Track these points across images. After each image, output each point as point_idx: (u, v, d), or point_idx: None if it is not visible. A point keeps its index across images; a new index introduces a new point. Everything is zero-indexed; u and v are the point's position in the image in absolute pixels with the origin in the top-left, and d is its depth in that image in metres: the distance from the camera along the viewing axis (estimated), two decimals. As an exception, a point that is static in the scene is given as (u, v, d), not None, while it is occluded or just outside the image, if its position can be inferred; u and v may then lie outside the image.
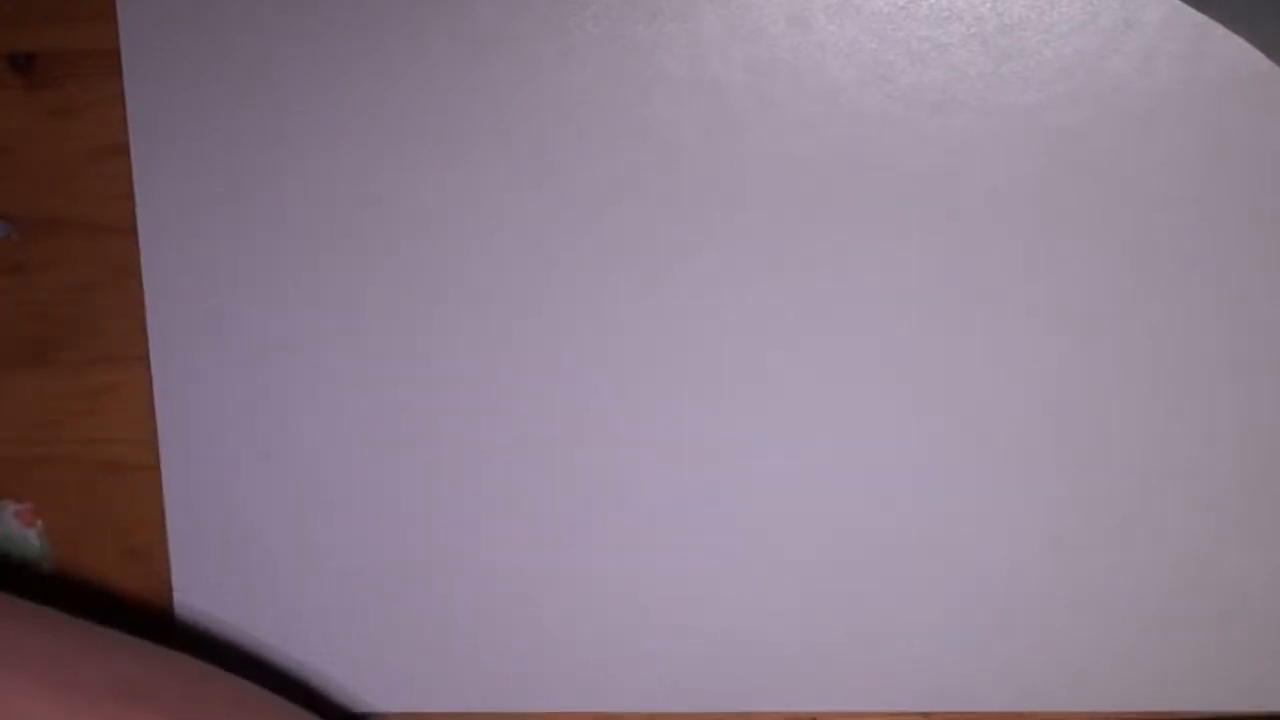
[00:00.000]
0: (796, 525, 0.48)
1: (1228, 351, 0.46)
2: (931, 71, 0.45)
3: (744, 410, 0.47)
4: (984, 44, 0.44)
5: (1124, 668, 0.48)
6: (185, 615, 0.50)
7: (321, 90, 0.46)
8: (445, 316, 0.47)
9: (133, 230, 0.47)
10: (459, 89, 0.46)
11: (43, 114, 0.47)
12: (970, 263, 0.46)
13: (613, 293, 0.47)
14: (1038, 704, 0.49)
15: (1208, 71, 0.44)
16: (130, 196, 0.47)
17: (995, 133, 0.45)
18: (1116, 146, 0.45)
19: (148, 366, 0.48)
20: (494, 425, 0.48)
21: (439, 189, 0.46)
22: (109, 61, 0.46)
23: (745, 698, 0.50)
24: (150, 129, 0.47)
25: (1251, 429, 0.46)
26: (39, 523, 0.50)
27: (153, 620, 0.50)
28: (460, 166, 0.46)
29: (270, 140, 0.46)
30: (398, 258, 0.47)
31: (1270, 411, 0.46)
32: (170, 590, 0.50)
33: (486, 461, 0.48)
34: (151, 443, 0.49)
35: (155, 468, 0.49)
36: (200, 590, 0.50)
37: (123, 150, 0.47)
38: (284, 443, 0.49)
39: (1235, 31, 0.44)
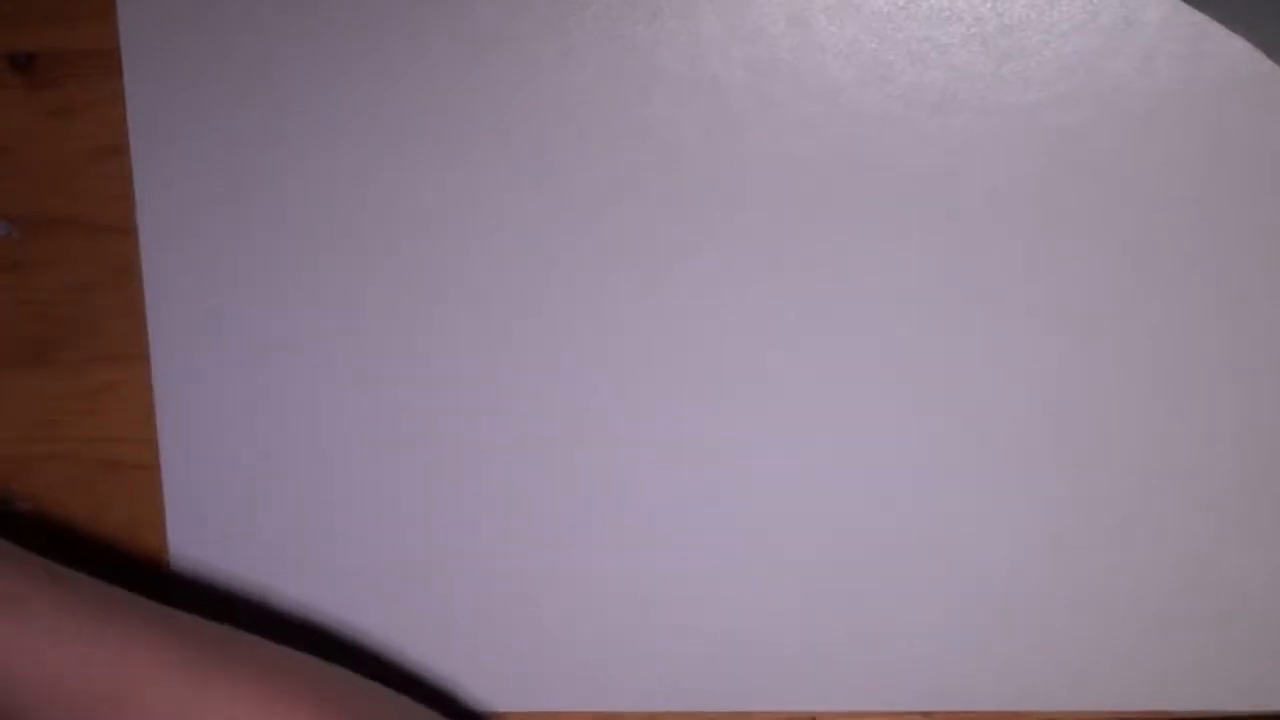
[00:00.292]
0: (796, 525, 0.48)
1: (1228, 351, 0.46)
2: (931, 71, 0.45)
3: (744, 410, 0.47)
4: (984, 44, 0.44)
5: (1124, 668, 0.48)
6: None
7: (321, 90, 0.46)
8: (445, 316, 0.47)
9: (133, 230, 0.47)
10: (459, 89, 0.46)
11: (43, 114, 0.47)
12: (970, 263, 0.46)
13: (613, 293, 0.47)
14: (1038, 704, 0.49)
15: (1208, 71, 0.44)
16: (130, 196, 0.47)
17: (995, 133, 0.45)
18: (1116, 146, 0.45)
19: (148, 366, 0.48)
20: (494, 425, 0.48)
21: (439, 189, 0.46)
22: (109, 61, 0.46)
23: (745, 698, 0.50)
24: (150, 129, 0.47)
25: (1251, 429, 0.46)
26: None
27: (153, 620, 0.50)
28: (460, 166, 0.46)
29: (270, 140, 0.46)
30: (398, 258, 0.47)
31: (1270, 411, 0.46)
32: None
33: (486, 461, 0.48)
34: (151, 442, 0.49)
35: (155, 467, 0.49)
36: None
37: (123, 150, 0.47)
38: (284, 443, 0.49)
39: (1235, 31, 0.44)
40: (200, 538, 0.49)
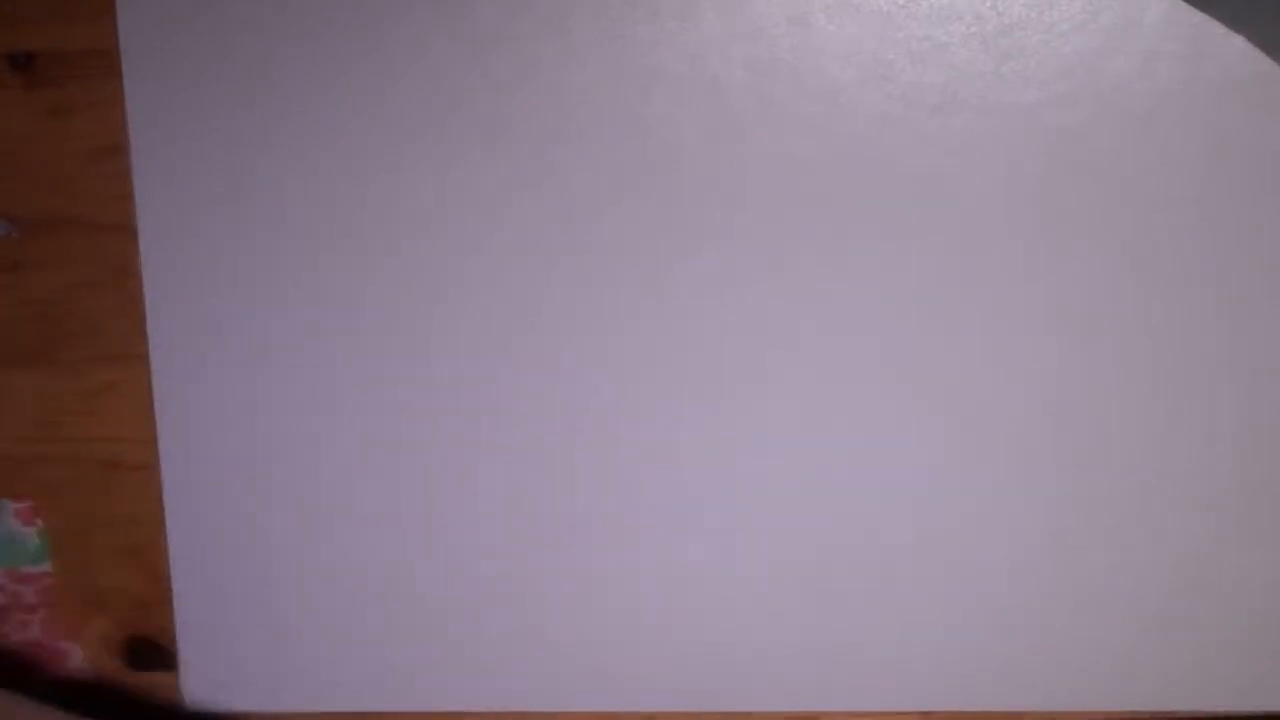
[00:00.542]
0: (796, 525, 0.48)
1: (1228, 351, 0.46)
2: (932, 71, 0.45)
3: (744, 410, 0.47)
4: (984, 44, 0.44)
5: (1124, 668, 0.48)
6: (186, 615, 0.50)
7: (321, 90, 0.46)
8: (445, 316, 0.47)
9: (133, 230, 0.47)
10: (459, 89, 0.46)
11: (43, 114, 0.47)
12: (970, 263, 0.46)
13: (613, 293, 0.47)
14: (1038, 704, 0.49)
15: (1208, 71, 0.44)
16: (130, 196, 0.47)
17: (995, 132, 0.45)
18: (1116, 146, 0.45)
19: (148, 366, 0.48)
20: (494, 425, 0.48)
21: (439, 189, 0.46)
22: (108, 61, 0.46)
23: (745, 698, 0.50)
24: (150, 129, 0.46)
25: (1251, 429, 0.46)
26: (39, 522, 0.50)
27: (152, 620, 0.50)
28: (460, 166, 0.46)
29: (270, 140, 0.46)
30: (398, 258, 0.47)
31: (1270, 411, 0.46)
32: (170, 590, 0.50)
33: (486, 461, 0.48)
34: (151, 442, 0.49)
35: (155, 467, 0.49)
36: (200, 590, 0.50)
37: (122, 150, 0.47)
38: (284, 442, 0.49)
39: (1235, 31, 0.44)
40: (200, 538, 0.49)
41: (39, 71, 0.46)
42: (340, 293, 0.47)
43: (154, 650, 0.51)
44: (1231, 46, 0.44)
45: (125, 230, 0.47)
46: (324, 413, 0.48)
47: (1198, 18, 0.44)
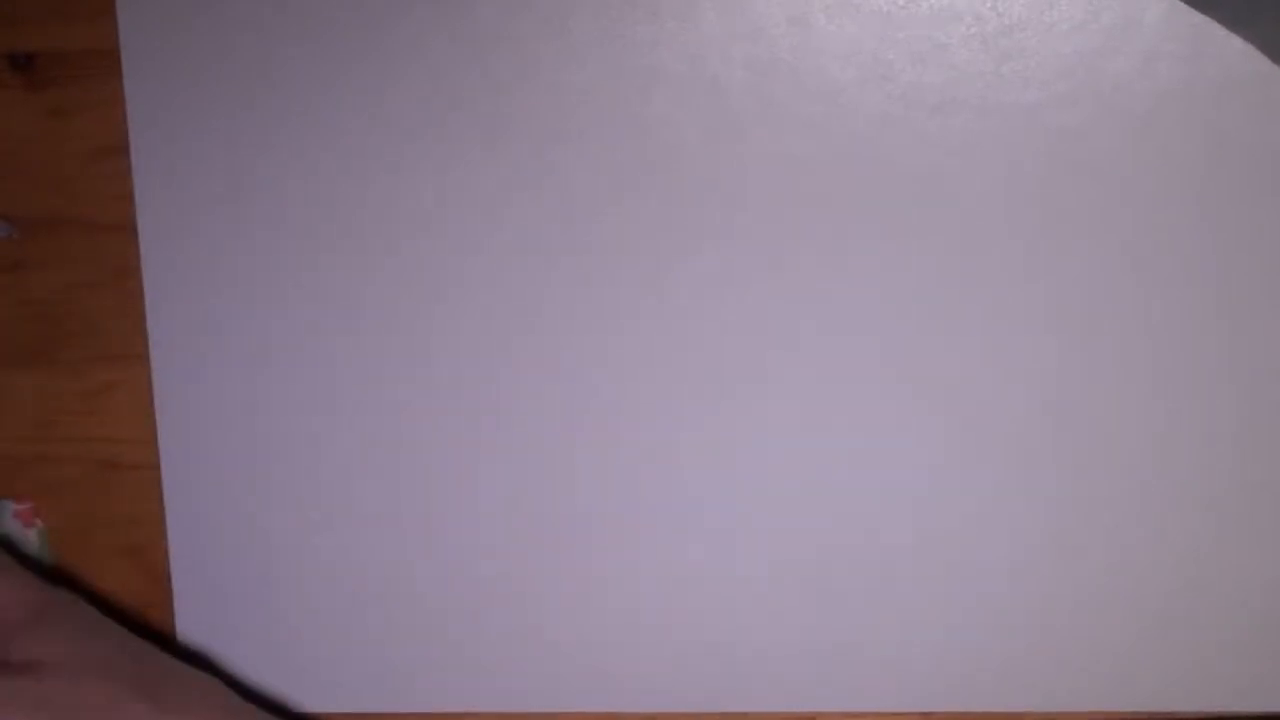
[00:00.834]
0: (796, 525, 0.48)
1: (1228, 351, 0.46)
2: (932, 71, 0.45)
3: (744, 410, 0.47)
4: (984, 44, 0.44)
5: (1124, 668, 0.48)
6: (186, 615, 0.50)
7: (321, 90, 0.46)
8: (445, 316, 0.47)
9: (133, 230, 0.47)
10: (459, 89, 0.46)
11: (43, 114, 0.47)
12: (970, 263, 0.46)
13: (613, 293, 0.47)
14: (1038, 704, 0.49)
15: (1208, 72, 0.44)
16: (130, 196, 0.47)
17: (995, 133, 0.45)
18: (1116, 146, 0.45)
19: (148, 366, 0.48)
20: (494, 425, 0.48)
21: (439, 189, 0.46)
22: (109, 61, 0.46)
23: (745, 698, 0.50)
24: (150, 129, 0.47)
25: (1251, 429, 0.46)
26: (39, 522, 0.50)
27: (153, 620, 0.50)
28: (460, 166, 0.46)
29: (270, 140, 0.46)
30: (398, 258, 0.47)
31: (1270, 411, 0.46)
32: (170, 590, 0.50)
33: (486, 461, 0.48)
34: (151, 442, 0.49)
35: (155, 467, 0.49)
36: (200, 590, 0.50)
37: (123, 150, 0.47)
38: (284, 442, 0.49)
39: (1235, 32, 0.44)
40: (200, 538, 0.49)
41: (39, 72, 0.46)
42: (340, 293, 0.47)
43: (154, 650, 0.51)
44: (1231, 47, 0.44)
45: (125, 230, 0.47)
46: (324, 413, 0.48)
47: (1198, 18, 0.44)
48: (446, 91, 0.46)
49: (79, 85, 0.46)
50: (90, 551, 0.50)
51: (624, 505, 0.48)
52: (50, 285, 0.48)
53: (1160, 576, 0.48)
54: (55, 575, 0.50)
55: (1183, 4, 0.44)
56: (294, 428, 0.48)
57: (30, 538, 0.50)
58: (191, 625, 0.50)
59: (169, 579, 0.50)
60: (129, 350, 0.48)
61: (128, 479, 0.49)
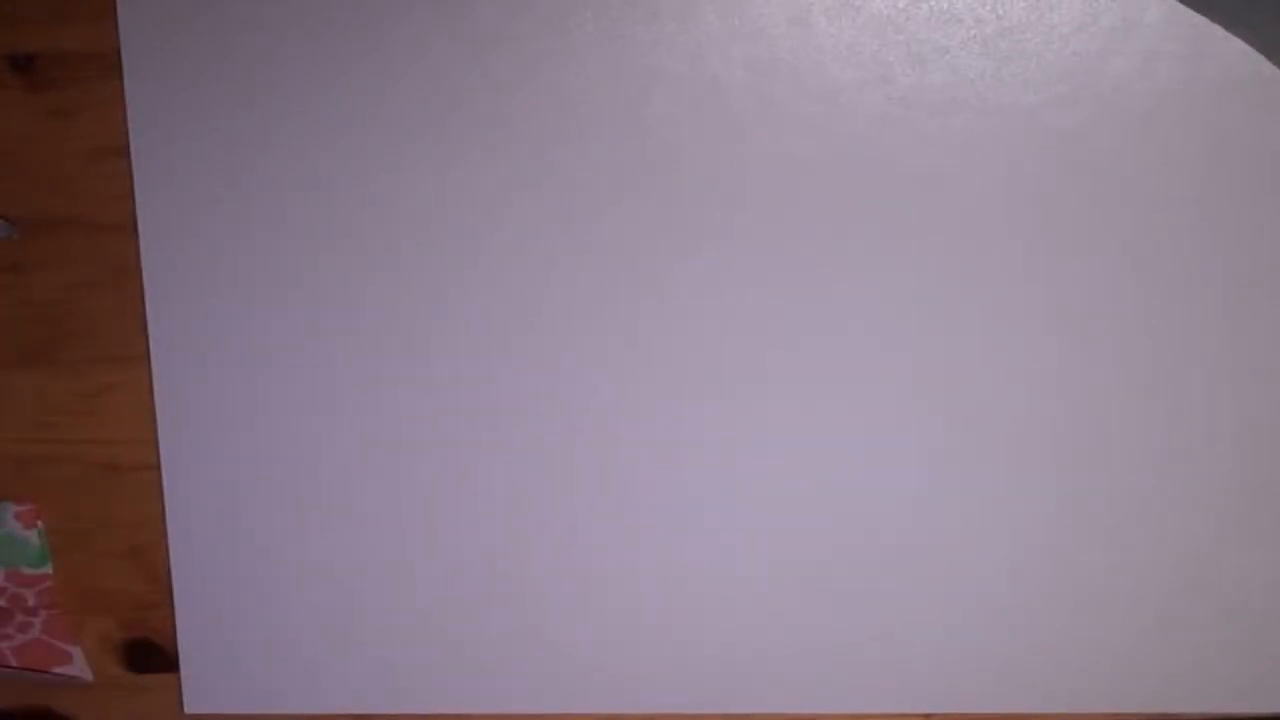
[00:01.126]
0: (796, 526, 0.48)
1: (1228, 351, 0.46)
2: (932, 73, 0.45)
3: (744, 410, 0.47)
4: (984, 46, 0.44)
5: (1124, 668, 0.48)
6: (186, 615, 0.50)
7: (321, 90, 0.46)
8: (445, 316, 0.47)
9: (133, 230, 0.47)
10: (459, 89, 0.46)
11: (43, 114, 0.47)
12: (970, 263, 0.46)
13: (613, 293, 0.47)
14: (1038, 704, 0.49)
15: (1207, 73, 0.44)
16: (130, 196, 0.47)
17: (995, 134, 0.45)
18: (1116, 147, 0.45)
19: (148, 366, 0.48)
20: (494, 425, 0.48)
21: (439, 189, 0.46)
22: (109, 62, 0.46)
23: (745, 698, 0.50)
24: (150, 129, 0.46)
25: (1251, 429, 0.46)
26: (39, 524, 0.50)
27: (152, 622, 0.50)
28: (460, 166, 0.46)
29: (270, 140, 0.46)
30: (398, 258, 0.47)
31: (1270, 411, 0.46)
32: (170, 590, 0.50)
33: (486, 461, 0.48)
34: (152, 443, 0.49)
35: (155, 468, 0.49)
36: (200, 590, 0.50)
37: (123, 150, 0.47)
38: (283, 442, 0.49)
39: (1235, 33, 0.44)
40: (200, 538, 0.49)
41: (39, 72, 0.46)
42: (340, 293, 0.47)
43: (154, 651, 0.51)
44: (1231, 48, 0.44)
45: (125, 230, 0.47)
46: (324, 413, 0.48)
47: (1198, 20, 0.44)
48: (446, 91, 0.46)
49: (79, 86, 0.46)
50: (90, 552, 0.50)
51: (624, 505, 0.48)
52: (50, 285, 0.48)
53: (1160, 576, 0.48)
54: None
55: (1183, 5, 0.44)
56: (294, 428, 0.48)
57: (30, 539, 0.50)
58: (191, 625, 0.50)
59: (169, 579, 0.50)
60: (129, 351, 0.48)
61: (128, 480, 0.49)
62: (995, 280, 0.46)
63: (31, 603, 0.50)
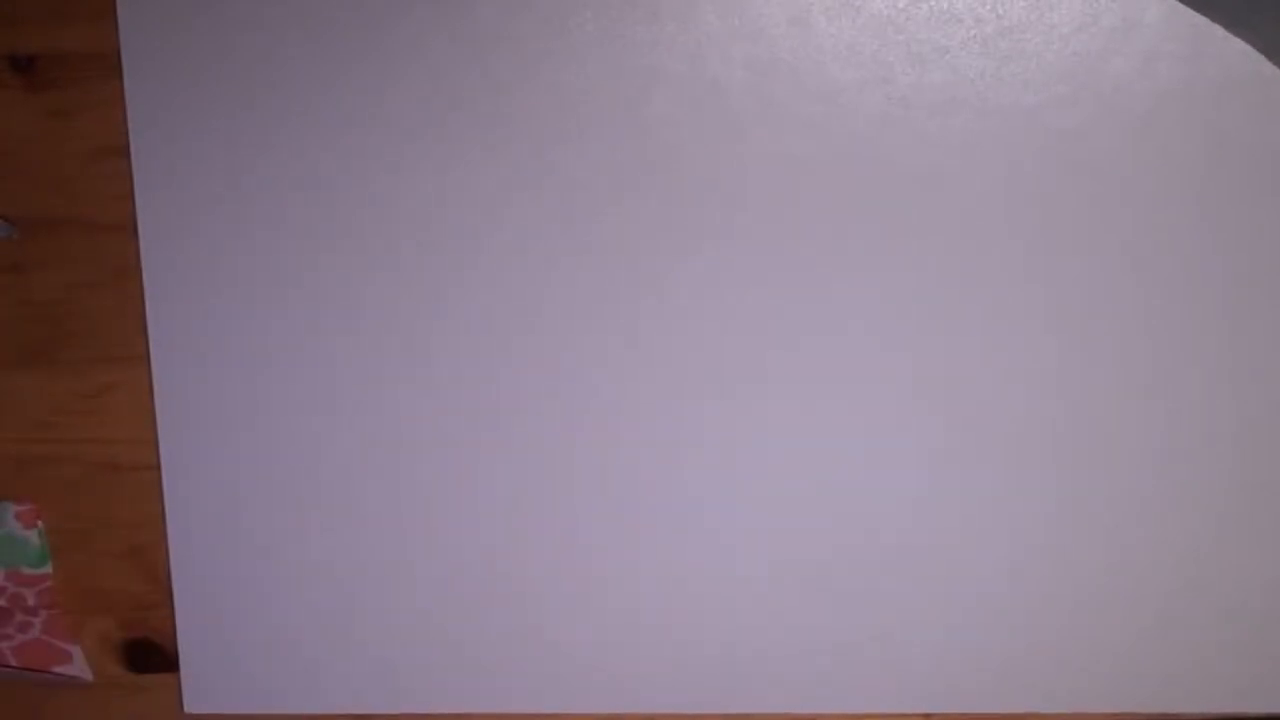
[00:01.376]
0: (797, 525, 0.48)
1: (1228, 351, 0.46)
2: (932, 73, 0.45)
3: (744, 410, 0.47)
4: (984, 46, 0.44)
5: (1124, 668, 0.48)
6: (186, 615, 0.50)
7: (321, 90, 0.46)
8: (445, 316, 0.47)
9: (133, 230, 0.47)
10: (459, 89, 0.46)
11: (43, 114, 0.47)
12: (970, 263, 0.46)
13: (613, 293, 0.47)
14: (1038, 704, 0.49)
15: (1207, 73, 0.44)
16: (130, 196, 0.47)
17: (995, 133, 0.45)
18: (1116, 147, 0.45)
19: (148, 366, 0.48)
20: (494, 425, 0.48)
21: (439, 189, 0.46)
22: (109, 62, 0.46)
23: (745, 698, 0.50)
24: (150, 129, 0.46)
25: (1251, 429, 0.46)
26: (40, 524, 0.50)
27: (152, 621, 0.50)
28: (460, 166, 0.46)
29: (270, 140, 0.46)
30: (398, 258, 0.47)
31: (1270, 411, 0.46)
32: (170, 590, 0.50)
33: (486, 461, 0.48)
34: (152, 443, 0.49)
35: (155, 468, 0.49)
36: (200, 590, 0.50)
37: (123, 150, 0.47)
38: (283, 442, 0.49)
39: (1235, 33, 0.44)
40: (200, 538, 0.49)
41: (40, 73, 0.46)
42: (340, 293, 0.47)
43: (155, 651, 0.51)
44: (1231, 48, 0.44)
45: (125, 230, 0.47)
46: (324, 413, 0.48)
47: (1198, 20, 0.44)
48: (446, 91, 0.46)
49: (79, 86, 0.46)
50: (90, 552, 0.50)
51: (624, 505, 0.48)
52: (50, 285, 0.48)
53: (1160, 576, 0.48)
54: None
55: (1183, 5, 0.44)
56: (294, 428, 0.48)
57: (30, 538, 0.50)
58: (191, 625, 0.50)
59: (169, 579, 0.50)
60: (129, 351, 0.48)
61: (128, 480, 0.49)
62: (995, 280, 0.46)
63: (31, 602, 0.50)
